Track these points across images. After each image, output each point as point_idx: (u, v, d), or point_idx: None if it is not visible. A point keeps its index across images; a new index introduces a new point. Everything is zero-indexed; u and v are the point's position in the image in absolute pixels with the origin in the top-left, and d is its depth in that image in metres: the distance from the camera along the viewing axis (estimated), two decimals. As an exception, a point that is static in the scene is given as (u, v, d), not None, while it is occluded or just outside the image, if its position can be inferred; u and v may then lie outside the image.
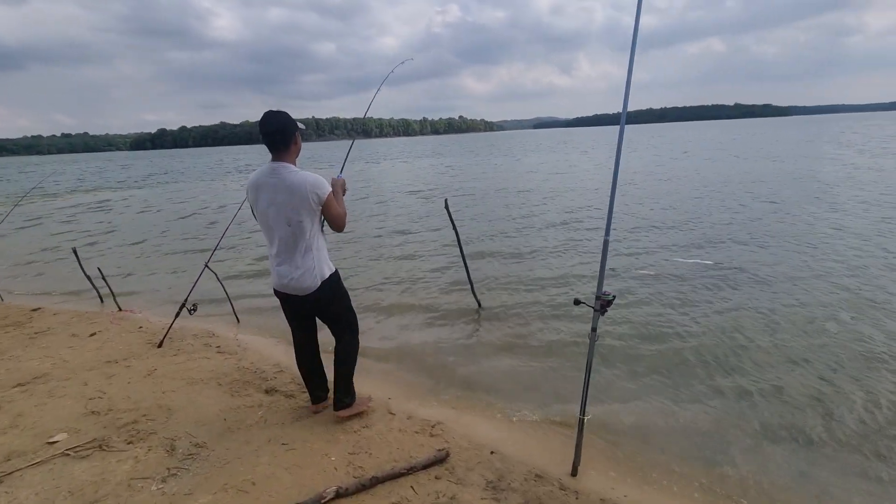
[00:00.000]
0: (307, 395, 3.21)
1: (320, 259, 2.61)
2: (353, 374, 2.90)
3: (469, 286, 4.90)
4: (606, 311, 2.33)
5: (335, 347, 2.86)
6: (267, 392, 3.33)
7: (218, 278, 4.62)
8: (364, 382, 3.35)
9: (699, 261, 6.22)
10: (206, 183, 24.78)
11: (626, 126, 2.30)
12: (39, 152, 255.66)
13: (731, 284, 5.31)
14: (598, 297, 2.28)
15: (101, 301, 5.67)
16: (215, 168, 39.82)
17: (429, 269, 6.62)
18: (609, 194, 2.21)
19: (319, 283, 2.59)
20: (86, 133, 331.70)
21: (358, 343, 2.93)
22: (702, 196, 11.48)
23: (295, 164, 2.54)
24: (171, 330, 4.32)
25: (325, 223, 2.65)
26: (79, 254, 5.59)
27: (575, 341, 4.12)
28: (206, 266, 4.44)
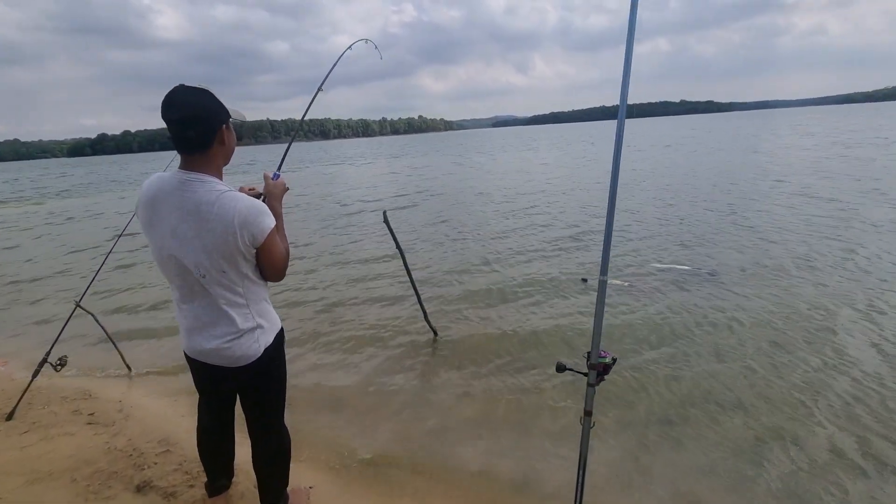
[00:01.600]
0: (196, 489, 2.35)
1: (263, 312, 1.73)
2: (288, 467, 2.05)
3: (421, 311, 4.10)
4: (604, 379, 1.59)
5: (261, 448, 1.94)
6: (138, 490, 2.40)
7: (96, 319, 3.60)
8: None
9: (678, 266, 5.67)
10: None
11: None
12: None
13: (729, 297, 4.75)
14: (591, 364, 1.54)
15: (-40, 350, 4.48)
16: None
17: (381, 291, 5.76)
18: (605, 219, 1.46)
19: (261, 350, 1.72)
20: (16, 140, 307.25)
21: (287, 432, 2.02)
22: (692, 193, 11.16)
23: (220, 175, 1.63)
24: (31, 392, 3.29)
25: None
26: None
27: (556, 387, 3.39)
28: (78, 305, 3.42)
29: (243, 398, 1.90)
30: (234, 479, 2.24)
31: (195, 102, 1.51)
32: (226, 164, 1.66)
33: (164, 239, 1.59)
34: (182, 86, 1.51)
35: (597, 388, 1.58)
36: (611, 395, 3.12)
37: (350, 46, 2.80)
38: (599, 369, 1.54)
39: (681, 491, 2.36)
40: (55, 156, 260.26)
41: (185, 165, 1.57)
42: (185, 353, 1.81)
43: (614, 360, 1.57)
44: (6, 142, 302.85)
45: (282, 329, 1.85)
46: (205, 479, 2.21)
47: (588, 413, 1.57)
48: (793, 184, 10.87)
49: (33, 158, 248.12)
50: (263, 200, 1.78)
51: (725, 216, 8.17)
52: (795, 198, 9.27)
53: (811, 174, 12.15)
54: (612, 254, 1.54)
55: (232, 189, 1.60)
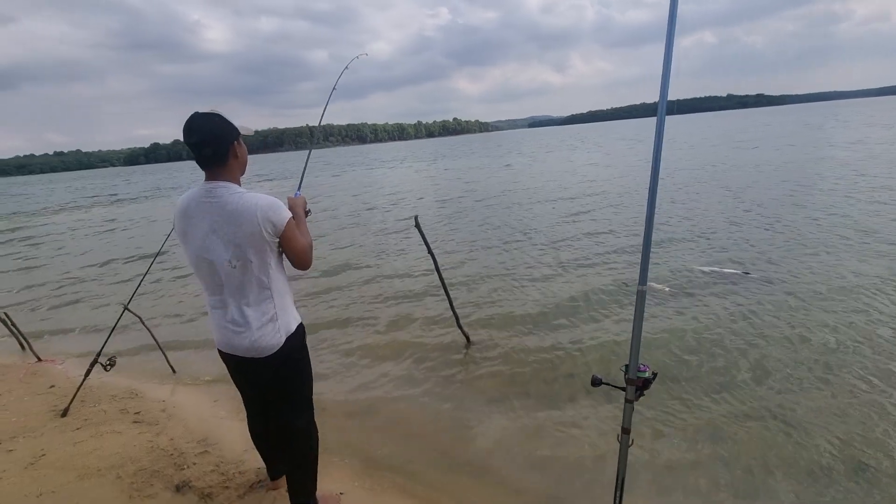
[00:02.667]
0: (231, 490, 2.40)
1: (283, 307, 1.91)
2: (316, 467, 2.12)
3: (454, 317, 4.05)
4: (642, 395, 1.49)
5: (285, 440, 2.05)
6: (178, 489, 2.47)
7: (143, 322, 3.77)
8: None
9: (726, 269, 5.36)
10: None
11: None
12: (32, 171, 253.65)
13: (785, 306, 4.45)
14: (629, 380, 1.44)
15: (23, 348, 4.79)
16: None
17: (413, 296, 5.76)
18: (644, 222, 1.36)
19: (283, 339, 1.89)
20: (78, 150, 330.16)
21: (317, 431, 2.12)
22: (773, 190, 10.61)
23: (239, 183, 1.87)
24: (84, 390, 3.47)
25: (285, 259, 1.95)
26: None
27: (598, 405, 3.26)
28: (126, 308, 3.59)
29: (268, 391, 2.03)
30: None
31: (208, 127, 1.75)
32: (242, 174, 1.89)
33: (199, 242, 1.81)
34: (197, 113, 1.75)
35: (635, 404, 1.49)
36: (649, 407, 2.96)
37: (346, 66, 3.06)
38: (638, 384, 1.45)
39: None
40: (113, 164, 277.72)
41: (208, 178, 1.82)
42: (219, 350, 1.99)
43: (654, 374, 1.46)
44: (70, 153, 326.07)
45: (302, 324, 2.00)
46: (243, 479, 2.35)
47: (626, 431, 1.47)
48: (874, 181, 9.93)
49: (94, 168, 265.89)
50: None
51: (790, 217, 7.58)
52: (878, 194, 8.47)
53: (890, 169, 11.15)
54: (653, 258, 1.43)
55: (251, 190, 1.81)
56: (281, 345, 1.88)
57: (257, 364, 1.90)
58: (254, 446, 2.34)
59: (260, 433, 2.24)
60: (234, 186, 1.81)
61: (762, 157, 16.66)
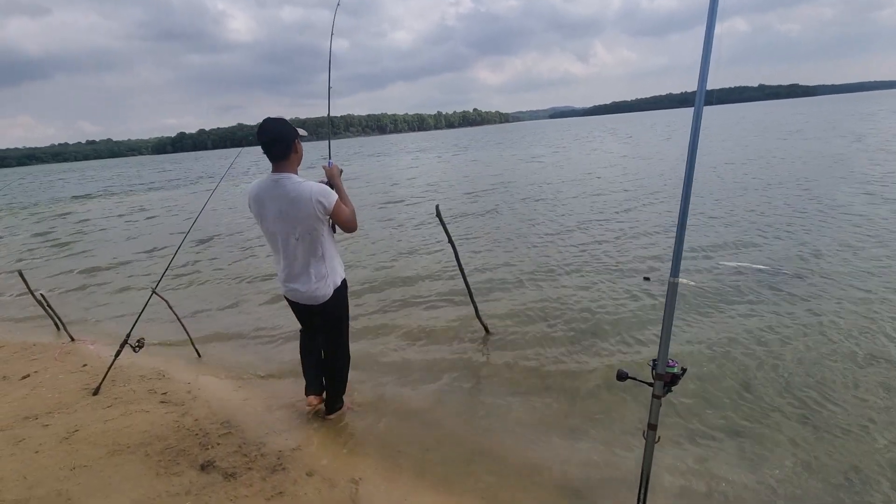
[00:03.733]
0: (253, 472, 2.48)
1: (333, 267, 2.61)
2: (347, 381, 3.01)
3: (473, 308, 4.03)
4: (670, 391, 1.45)
5: (330, 361, 2.89)
6: (203, 468, 2.53)
7: (169, 306, 3.86)
8: (333, 449, 2.52)
9: (755, 265, 5.19)
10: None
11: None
12: (66, 159, 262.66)
13: (817, 303, 4.30)
14: (658, 374, 1.40)
15: (58, 328, 4.98)
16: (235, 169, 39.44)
17: (433, 285, 5.76)
18: (677, 217, 1.31)
19: (332, 291, 2.59)
20: (109, 139, 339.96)
21: (350, 356, 2.96)
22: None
23: (297, 173, 2.48)
24: (115, 370, 3.59)
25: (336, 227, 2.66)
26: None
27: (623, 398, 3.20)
28: (154, 291, 3.68)
29: (322, 325, 2.80)
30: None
31: (277, 129, 2.35)
32: (299, 165, 2.49)
33: (270, 221, 2.45)
34: (269, 118, 2.37)
35: (662, 399, 1.45)
36: (674, 403, 2.90)
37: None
38: (667, 380, 1.41)
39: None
40: (141, 153, 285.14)
41: (275, 170, 2.42)
42: (285, 296, 2.71)
43: (683, 370, 1.42)
44: (102, 141, 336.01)
45: (345, 280, 2.72)
46: (265, 462, 2.53)
47: (652, 427, 1.44)
48: None
49: (123, 156, 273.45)
50: (330, 185, 2.60)
51: (827, 211, 7.30)
52: None
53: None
54: (685, 251, 1.38)
55: (308, 180, 2.43)
56: (330, 296, 2.58)
57: (313, 308, 2.64)
58: (274, 429, 2.89)
59: (306, 351, 2.93)
60: (294, 177, 2.40)
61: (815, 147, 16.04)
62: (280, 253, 2.52)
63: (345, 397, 3.05)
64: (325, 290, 2.55)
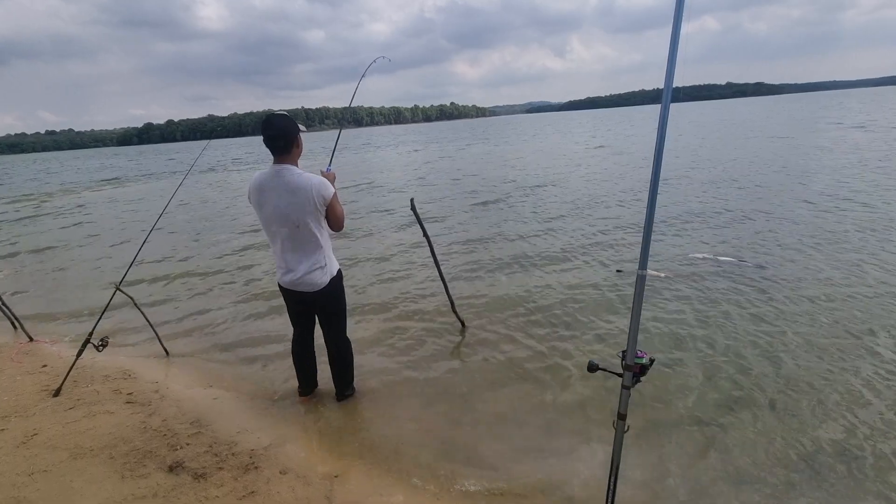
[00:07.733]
0: (224, 471, 2.42)
1: (329, 256, 2.70)
2: (353, 366, 3.10)
3: (449, 302, 4.03)
4: (639, 381, 1.48)
5: (333, 351, 2.95)
6: (171, 469, 2.46)
7: (135, 303, 3.73)
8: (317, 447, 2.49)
9: (722, 257, 5.36)
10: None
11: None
12: (23, 150, 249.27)
13: (778, 293, 4.46)
14: (627, 366, 1.43)
15: (14, 328, 4.74)
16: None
17: (408, 279, 5.73)
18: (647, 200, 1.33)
19: (328, 280, 2.68)
20: (71, 130, 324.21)
21: (350, 342, 3.03)
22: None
23: (297, 166, 2.58)
24: (77, 371, 3.45)
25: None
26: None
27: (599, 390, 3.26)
28: (118, 288, 3.55)
29: (320, 316, 2.88)
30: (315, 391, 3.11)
31: (280, 124, 2.47)
32: (300, 158, 2.61)
33: (270, 210, 2.53)
34: (273, 113, 2.49)
35: (631, 390, 1.48)
36: (644, 393, 2.97)
37: (369, 66, 3.65)
38: (635, 371, 1.44)
39: (719, 501, 2.22)
40: (106, 145, 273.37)
41: (276, 162, 2.53)
42: (280, 285, 2.76)
43: (652, 360, 1.45)
44: (63, 132, 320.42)
45: (340, 269, 2.82)
46: (237, 461, 2.46)
47: (622, 417, 1.47)
48: (862, 173, 10.07)
49: (86, 148, 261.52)
50: None
51: (787, 206, 7.63)
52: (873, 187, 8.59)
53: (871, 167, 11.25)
54: (653, 245, 1.41)
55: (308, 172, 2.53)
56: (326, 283, 2.67)
57: (309, 296, 2.69)
58: (246, 427, 2.84)
59: (299, 352, 2.99)
60: (295, 169, 2.52)
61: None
62: (278, 242, 2.60)
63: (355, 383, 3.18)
64: (323, 278, 2.65)
